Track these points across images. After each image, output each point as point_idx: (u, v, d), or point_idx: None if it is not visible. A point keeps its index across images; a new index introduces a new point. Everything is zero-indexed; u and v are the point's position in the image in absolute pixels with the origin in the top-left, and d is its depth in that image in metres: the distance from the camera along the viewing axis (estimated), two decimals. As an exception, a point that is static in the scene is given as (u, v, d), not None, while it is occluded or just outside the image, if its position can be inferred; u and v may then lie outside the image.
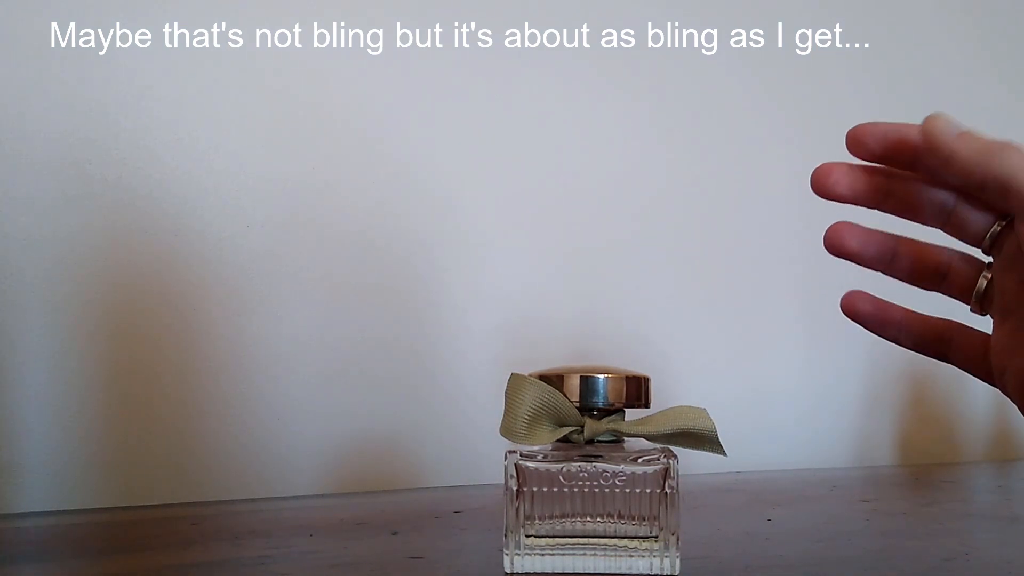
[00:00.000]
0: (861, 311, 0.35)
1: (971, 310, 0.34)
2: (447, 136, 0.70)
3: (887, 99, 0.89)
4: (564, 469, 0.34)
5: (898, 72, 0.91)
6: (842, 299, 0.36)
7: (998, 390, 0.33)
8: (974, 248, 0.34)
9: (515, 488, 0.34)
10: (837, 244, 0.34)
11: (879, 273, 0.35)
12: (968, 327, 0.35)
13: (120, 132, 0.58)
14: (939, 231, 0.34)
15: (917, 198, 0.33)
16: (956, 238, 0.34)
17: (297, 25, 0.64)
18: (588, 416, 0.36)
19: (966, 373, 0.35)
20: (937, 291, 0.35)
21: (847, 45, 0.88)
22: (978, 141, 0.29)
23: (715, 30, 0.82)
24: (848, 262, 0.35)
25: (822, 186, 0.33)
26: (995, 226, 0.32)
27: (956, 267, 0.34)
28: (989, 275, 0.33)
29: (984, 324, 0.35)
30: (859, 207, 0.34)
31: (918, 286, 0.35)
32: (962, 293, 0.34)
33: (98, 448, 0.57)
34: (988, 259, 0.34)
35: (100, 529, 0.50)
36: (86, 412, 0.57)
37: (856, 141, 0.33)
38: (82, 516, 0.53)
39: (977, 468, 0.83)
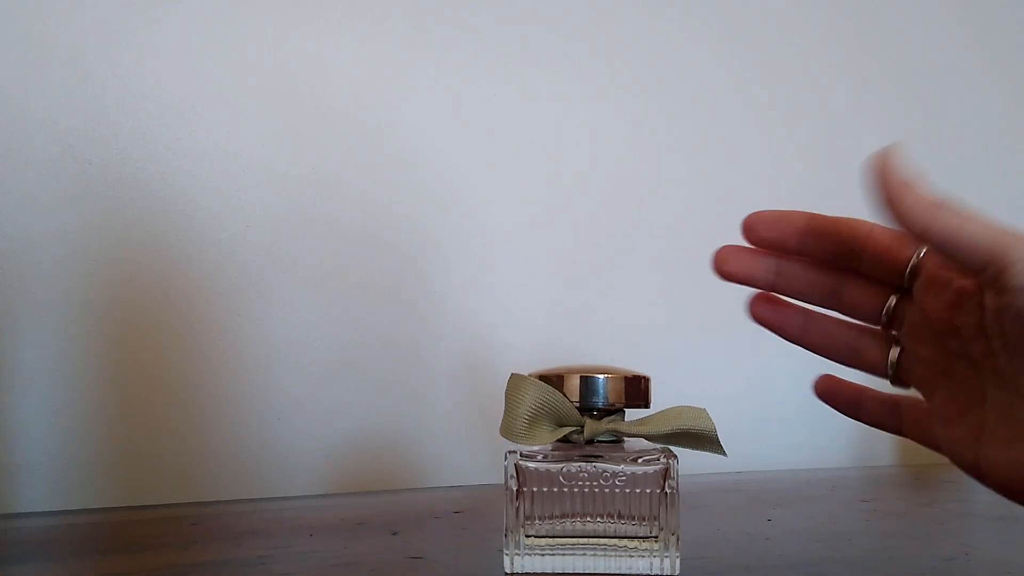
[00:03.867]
0: (823, 391, 0.37)
1: (891, 383, 0.35)
2: (448, 135, 0.70)
3: (884, 101, 0.89)
4: (564, 469, 0.34)
5: (894, 73, 0.91)
6: (814, 383, 0.37)
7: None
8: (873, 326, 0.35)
9: (515, 488, 0.34)
10: (754, 311, 0.36)
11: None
12: (916, 401, 0.35)
13: (120, 131, 0.58)
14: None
15: (807, 276, 0.35)
16: (851, 316, 0.35)
17: (298, 24, 0.64)
18: (588, 416, 0.36)
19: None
20: (852, 367, 0.35)
21: (843, 46, 0.88)
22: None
23: (717, 32, 0.82)
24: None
25: (717, 268, 0.35)
26: (889, 300, 0.33)
27: (867, 344, 0.35)
28: (899, 347, 0.34)
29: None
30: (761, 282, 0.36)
31: (833, 360, 0.36)
32: (875, 367, 0.35)
33: (98, 448, 0.57)
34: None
35: (100, 529, 0.50)
36: (86, 412, 0.57)
37: (749, 228, 0.35)
38: (82, 516, 0.53)
39: (977, 468, 0.82)
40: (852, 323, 0.35)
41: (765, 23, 0.84)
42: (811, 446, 0.83)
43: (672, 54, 0.80)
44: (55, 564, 0.40)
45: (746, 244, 0.35)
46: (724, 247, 0.35)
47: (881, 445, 0.87)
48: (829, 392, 0.37)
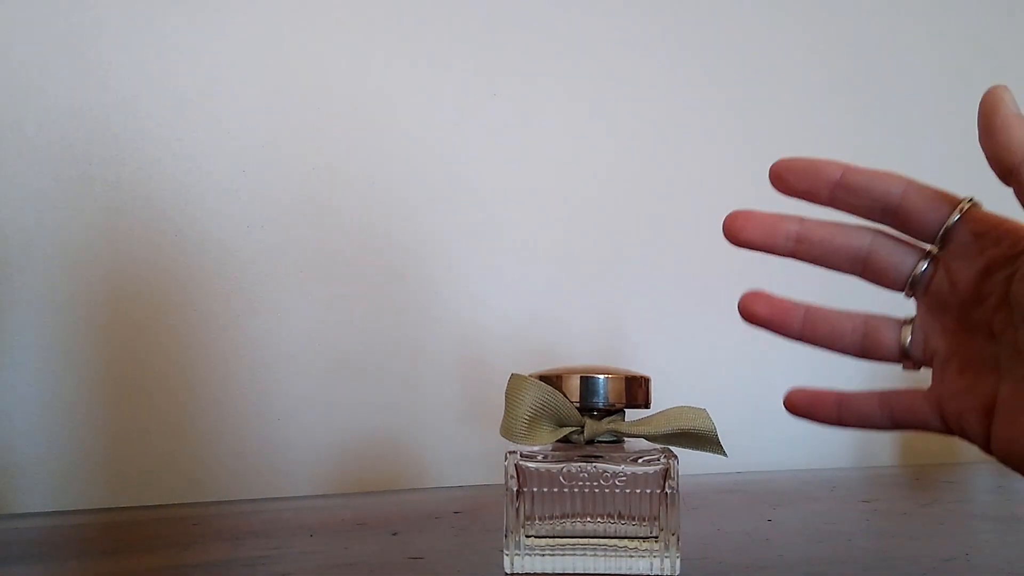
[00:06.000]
0: (798, 405, 0.35)
1: (904, 367, 0.33)
2: (450, 136, 0.70)
3: (876, 103, 0.89)
4: (564, 469, 0.34)
5: (897, 76, 0.91)
6: (784, 399, 0.35)
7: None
8: (894, 292, 0.33)
9: (515, 488, 0.34)
10: (749, 311, 0.34)
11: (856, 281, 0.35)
12: (902, 390, 0.33)
13: (120, 133, 0.58)
14: (854, 285, 0.34)
15: (832, 242, 0.33)
16: (873, 282, 0.33)
17: (299, 21, 0.64)
18: (588, 416, 0.36)
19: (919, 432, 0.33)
20: (862, 357, 0.34)
21: (826, 49, 0.88)
22: None
23: (716, 33, 0.82)
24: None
25: (732, 235, 0.33)
26: (919, 265, 0.32)
27: (876, 327, 0.34)
28: (911, 326, 0.33)
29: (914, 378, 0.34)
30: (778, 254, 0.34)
31: (839, 352, 0.34)
32: (887, 350, 0.33)
33: (98, 448, 0.57)
34: (903, 316, 0.33)
35: (100, 529, 0.50)
36: (86, 412, 0.57)
37: (777, 177, 0.33)
38: (82, 516, 0.53)
39: (977, 468, 0.83)
40: (855, 312, 0.34)
41: (764, 28, 0.84)
42: (811, 446, 0.83)
43: (682, 57, 0.80)
44: (55, 564, 0.40)
45: (759, 210, 0.33)
46: (737, 212, 0.33)
47: (881, 445, 0.87)
48: (805, 404, 0.35)
